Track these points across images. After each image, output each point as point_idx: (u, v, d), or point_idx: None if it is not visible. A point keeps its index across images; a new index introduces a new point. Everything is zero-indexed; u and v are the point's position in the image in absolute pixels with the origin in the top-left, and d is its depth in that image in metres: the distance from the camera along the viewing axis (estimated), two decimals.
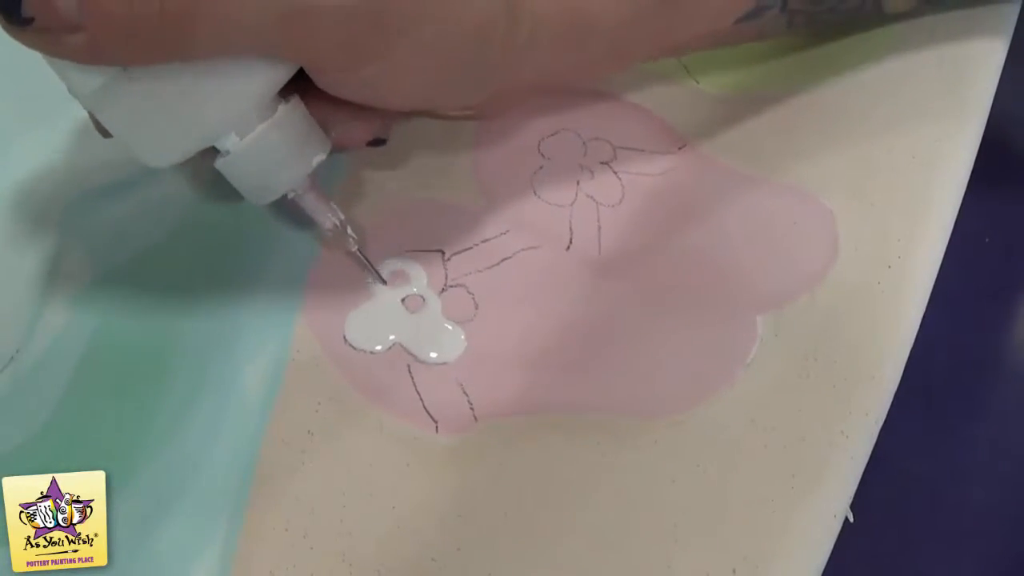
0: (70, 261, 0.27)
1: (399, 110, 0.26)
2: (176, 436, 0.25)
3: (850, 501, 0.23)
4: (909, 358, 0.25)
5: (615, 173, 0.29)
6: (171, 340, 0.26)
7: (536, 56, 0.24)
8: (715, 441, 0.24)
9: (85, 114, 0.29)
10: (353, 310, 0.26)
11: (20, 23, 0.19)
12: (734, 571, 0.22)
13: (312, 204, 0.25)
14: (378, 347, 0.26)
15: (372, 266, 0.26)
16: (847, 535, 0.23)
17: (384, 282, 0.27)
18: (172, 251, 0.28)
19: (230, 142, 0.23)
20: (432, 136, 0.30)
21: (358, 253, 0.26)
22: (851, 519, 0.23)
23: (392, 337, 0.26)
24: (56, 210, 0.28)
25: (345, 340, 0.26)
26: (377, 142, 0.26)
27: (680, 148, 0.29)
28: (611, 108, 0.30)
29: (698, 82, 0.31)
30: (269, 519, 0.23)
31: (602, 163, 0.29)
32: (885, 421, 0.24)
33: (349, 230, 0.26)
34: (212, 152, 0.24)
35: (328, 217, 0.26)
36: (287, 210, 0.28)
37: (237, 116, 0.23)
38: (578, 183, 0.28)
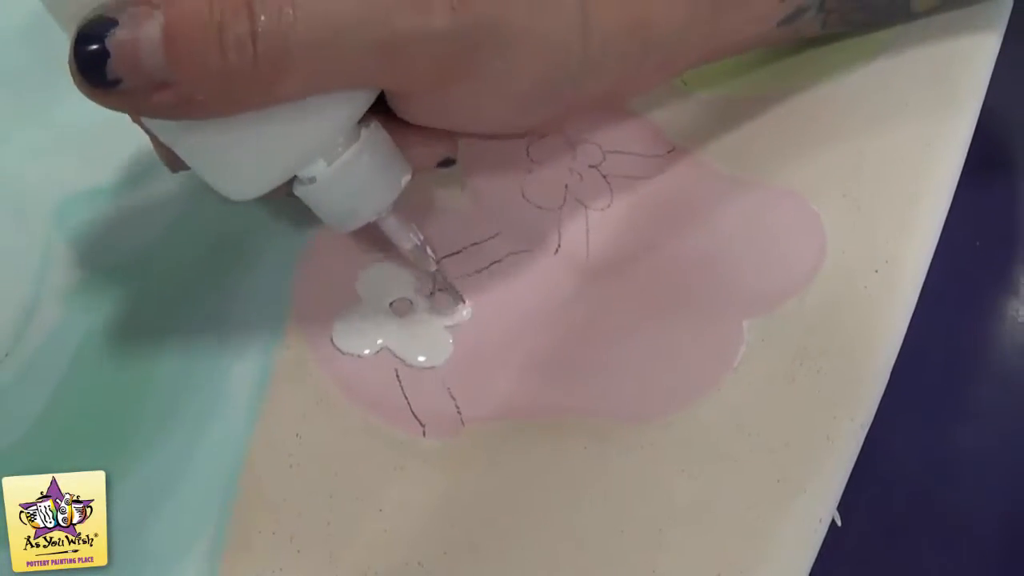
0: (62, 261, 0.28)
1: (472, 133, 0.25)
2: (163, 439, 0.25)
3: (836, 506, 0.23)
4: (897, 362, 0.25)
5: (603, 176, 0.29)
6: (160, 341, 0.26)
7: (603, 68, 0.24)
8: (701, 445, 0.24)
9: (78, 114, 0.30)
10: (341, 314, 0.26)
11: (105, 86, 0.18)
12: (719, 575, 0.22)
13: (394, 227, 0.25)
14: (366, 351, 0.26)
15: (453, 286, 0.26)
16: (834, 538, 0.23)
17: (463, 301, 0.26)
18: (162, 252, 0.28)
19: (317, 169, 0.22)
20: None
21: (438, 274, 0.26)
22: (838, 522, 0.23)
23: (380, 341, 0.26)
24: (48, 210, 0.28)
25: (333, 344, 0.26)
26: (447, 162, 0.26)
27: (669, 151, 0.29)
28: (600, 111, 0.30)
29: (686, 84, 0.30)
30: (256, 522, 0.23)
31: (591, 166, 0.29)
32: (873, 424, 0.24)
33: (429, 251, 0.25)
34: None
35: (409, 238, 0.25)
36: (279, 213, 0.28)
37: (324, 144, 0.22)
38: (567, 187, 0.28)
